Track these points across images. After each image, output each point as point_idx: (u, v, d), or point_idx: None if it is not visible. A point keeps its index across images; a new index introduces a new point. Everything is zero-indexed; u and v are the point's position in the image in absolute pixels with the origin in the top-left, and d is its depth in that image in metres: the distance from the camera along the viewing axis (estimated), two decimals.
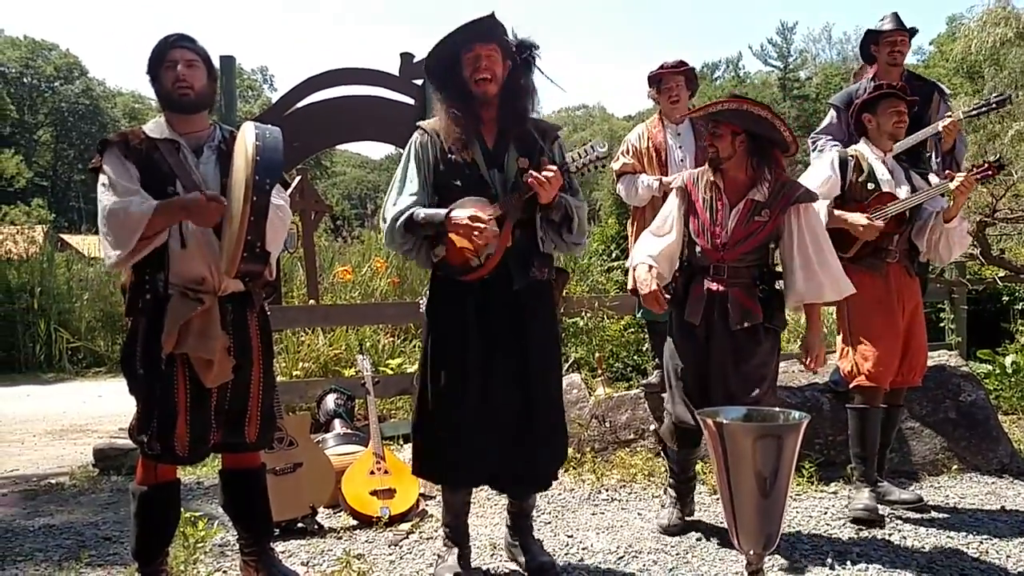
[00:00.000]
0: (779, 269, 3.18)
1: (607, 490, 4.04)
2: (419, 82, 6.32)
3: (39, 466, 5.08)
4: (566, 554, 3.16)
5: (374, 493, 3.58)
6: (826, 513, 3.60)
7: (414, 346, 6.49)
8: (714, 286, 3.05)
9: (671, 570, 2.99)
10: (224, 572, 3.04)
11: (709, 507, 3.70)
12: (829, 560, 3.03)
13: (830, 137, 4.19)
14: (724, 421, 2.14)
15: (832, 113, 4.32)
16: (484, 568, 3.02)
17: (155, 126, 2.66)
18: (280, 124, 2.59)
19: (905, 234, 3.53)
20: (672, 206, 3.20)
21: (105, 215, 2.49)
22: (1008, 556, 3.08)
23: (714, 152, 3.07)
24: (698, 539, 3.30)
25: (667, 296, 3.15)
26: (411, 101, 6.38)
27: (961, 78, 21.20)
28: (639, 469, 4.22)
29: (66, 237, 22.38)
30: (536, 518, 3.27)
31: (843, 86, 6.12)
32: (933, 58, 32.59)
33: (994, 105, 4.09)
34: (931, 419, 4.29)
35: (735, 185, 3.08)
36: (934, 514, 3.58)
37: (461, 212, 2.66)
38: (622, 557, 3.13)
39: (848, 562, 3.02)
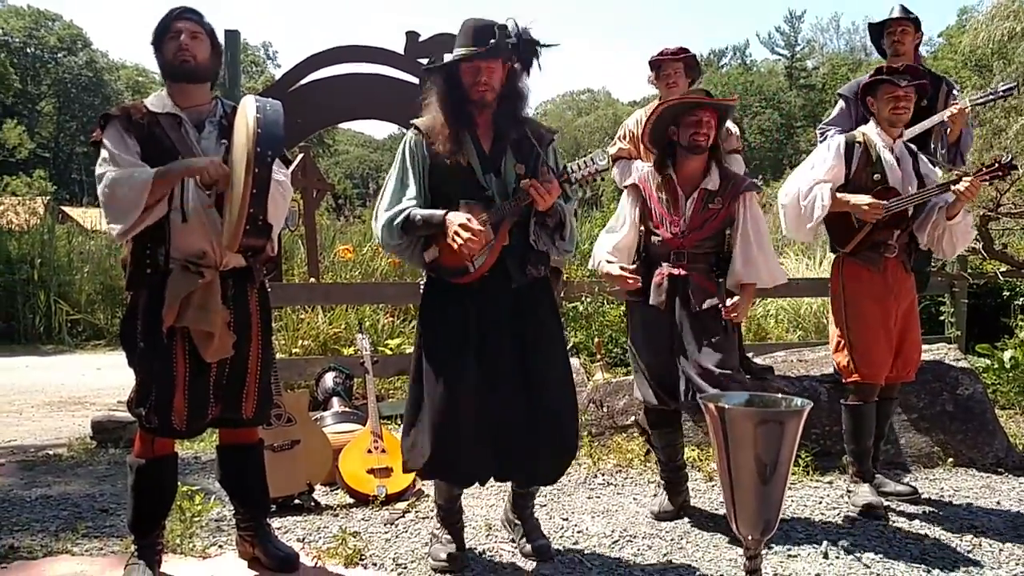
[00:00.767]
0: None
1: (603, 475, 4.06)
2: (424, 61, 6.26)
3: (37, 437, 5.10)
4: (561, 537, 3.18)
5: (371, 472, 3.60)
6: (821, 502, 3.61)
7: (413, 327, 6.47)
8: (675, 271, 3.18)
9: (665, 555, 3.01)
10: (220, 547, 3.05)
11: (704, 493, 3.72)
12: (823, 548, 3.04)
13: (838, 128, 4.15)
14: (726, 406, 2.13)
15: (840, 103, 4.29)
16: (479, 549, 3.04)
17: (157, 99, 2.65)
18: (283, 101, 2.57)
19: (906, 230, 3.50)
20: (626, 203, 3.34)
21: (106, 188, 2.48)
22: (1001, 549, 3.09)
23: (705, 140, 3.16)
24: (692, 525, 3.31)
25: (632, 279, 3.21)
26: (415, 80, 6.33)
27: (969, 71, 21.06)
28: (635, 454, 4.23)
29: (67, 209, 22.36)
30: None
31: (850, 76, 6.08)
32: (943, 50, 32.24)
33: (1001, 94, 4.06)
34: (928, 412, 4.29)
35: (689, 175, 3.22)
36: (928, 507, 3.59)
37: (456, 216, 2.63)
38: (616, 541, 3.14)
39: (842, 551, 3.03)
